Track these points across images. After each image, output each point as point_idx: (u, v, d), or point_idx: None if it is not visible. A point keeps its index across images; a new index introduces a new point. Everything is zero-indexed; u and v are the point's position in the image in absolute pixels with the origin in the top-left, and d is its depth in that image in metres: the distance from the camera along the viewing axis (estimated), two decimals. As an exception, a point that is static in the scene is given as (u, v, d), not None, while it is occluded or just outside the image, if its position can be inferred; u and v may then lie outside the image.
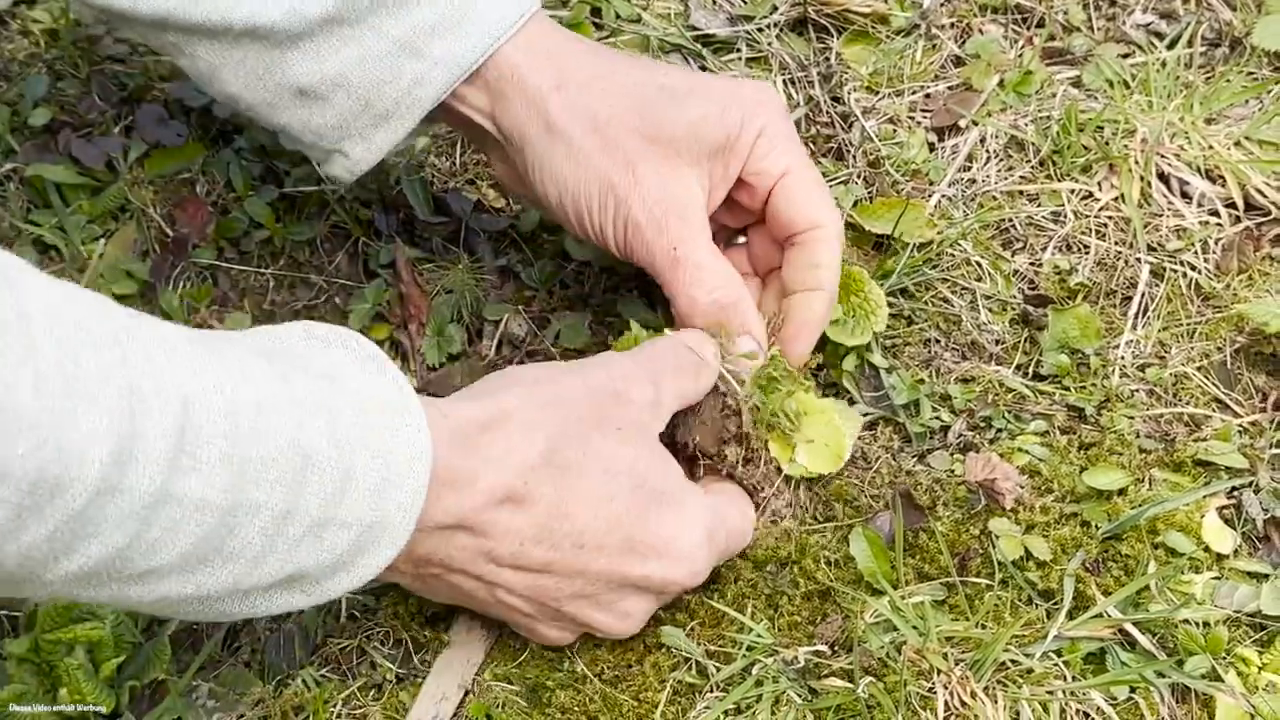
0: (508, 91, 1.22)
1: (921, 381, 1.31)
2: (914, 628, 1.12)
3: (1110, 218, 1.41)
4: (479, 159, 1.55)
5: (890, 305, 1.33)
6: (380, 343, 1.41)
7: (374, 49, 1.20)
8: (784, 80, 1.54)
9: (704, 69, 1.56)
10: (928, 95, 1.54)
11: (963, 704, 1.07)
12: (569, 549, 1.05)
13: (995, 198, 1.44)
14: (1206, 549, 1.18)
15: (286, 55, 1.20)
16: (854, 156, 1.48)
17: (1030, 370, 1.33)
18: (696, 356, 1.16)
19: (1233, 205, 1.41)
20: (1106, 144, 1.44)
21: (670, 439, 1.18)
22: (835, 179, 1.45)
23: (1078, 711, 1.09)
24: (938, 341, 1.35)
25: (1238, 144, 1.43)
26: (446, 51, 1.20)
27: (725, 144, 1.21)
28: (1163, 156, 1.42)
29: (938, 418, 1.30)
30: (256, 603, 0.95)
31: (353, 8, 1.19)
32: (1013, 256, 1.40)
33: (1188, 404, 1.29)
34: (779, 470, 1.21)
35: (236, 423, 0.86)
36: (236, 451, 0.86)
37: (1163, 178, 1.42)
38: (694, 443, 1.19)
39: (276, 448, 0.88)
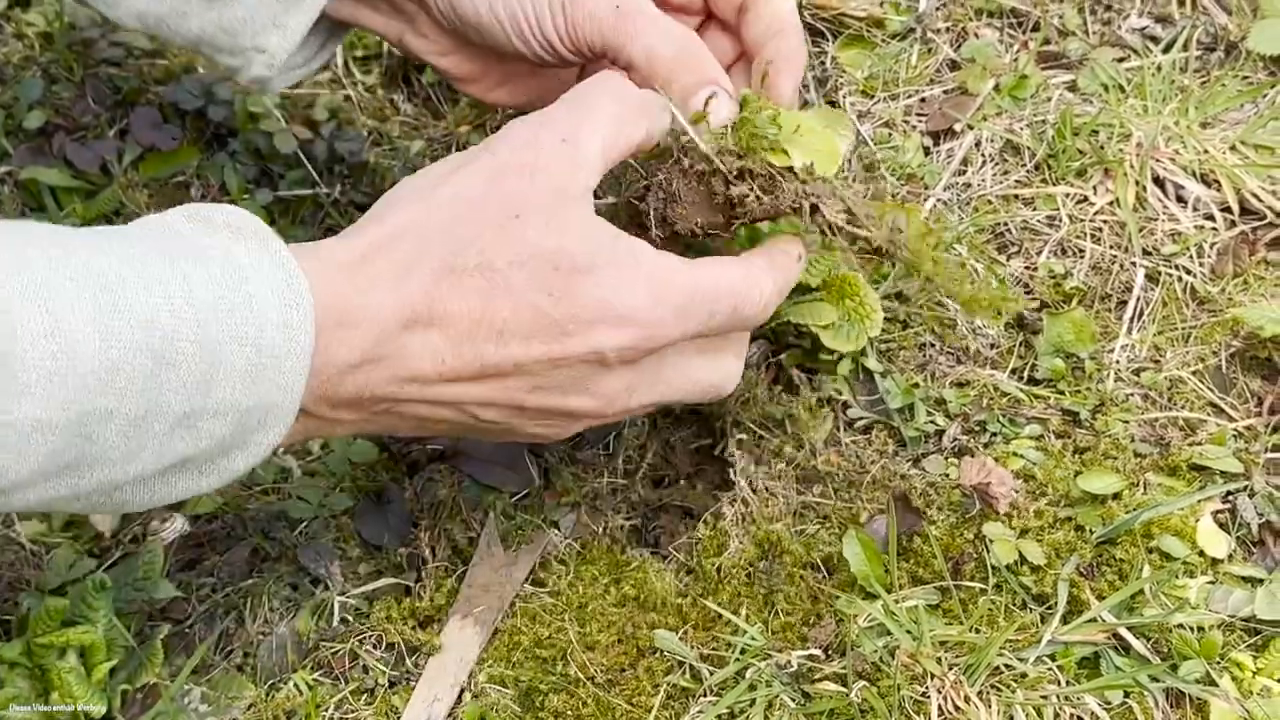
0: None
1: (916, 386, 1.31)
2: (907, 632, 1.12)
3: (1105, 222, 1.41)
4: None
5: (885, 309, 1.33)
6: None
7: None
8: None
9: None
10: (923, 99, 1.54)
11: (956, 709, 1.07)
12: (494, 350, 0.99)
13: (990, 202, 1.44)
14: (1201, 553, 1.18)
15: None
16: (849, 160, 1.48)
17: (1025, 374, 1.33)
18: (634, 93, 1.08)
19: (1228, 209, 1.41)
20: (1102, 148, 1.44)
21: (674, 234, 1.11)
22: (830, 183, 1.45)
23: (1072, 716, 1.09)
24: (933, 345, 1.35)
25: (1233, 148, 1.43)
26: None
27: None
28: (1158, 161, 1.42)
29: (932, 422, 1.30)
30: (154, 490, 0.93)
31: None
32: (1008, 260, 1.40)
33: (1183, 408, 1.29)
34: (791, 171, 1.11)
35: (68, 340, 0.83)
36: (70, 368, 0.83)
37: (1158, 182, 1.42)
38: (698, 225, 1.11)
39: (120, 355, 0.85)
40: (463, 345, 0.98)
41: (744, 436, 1.28)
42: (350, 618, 1.21)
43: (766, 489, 1.25)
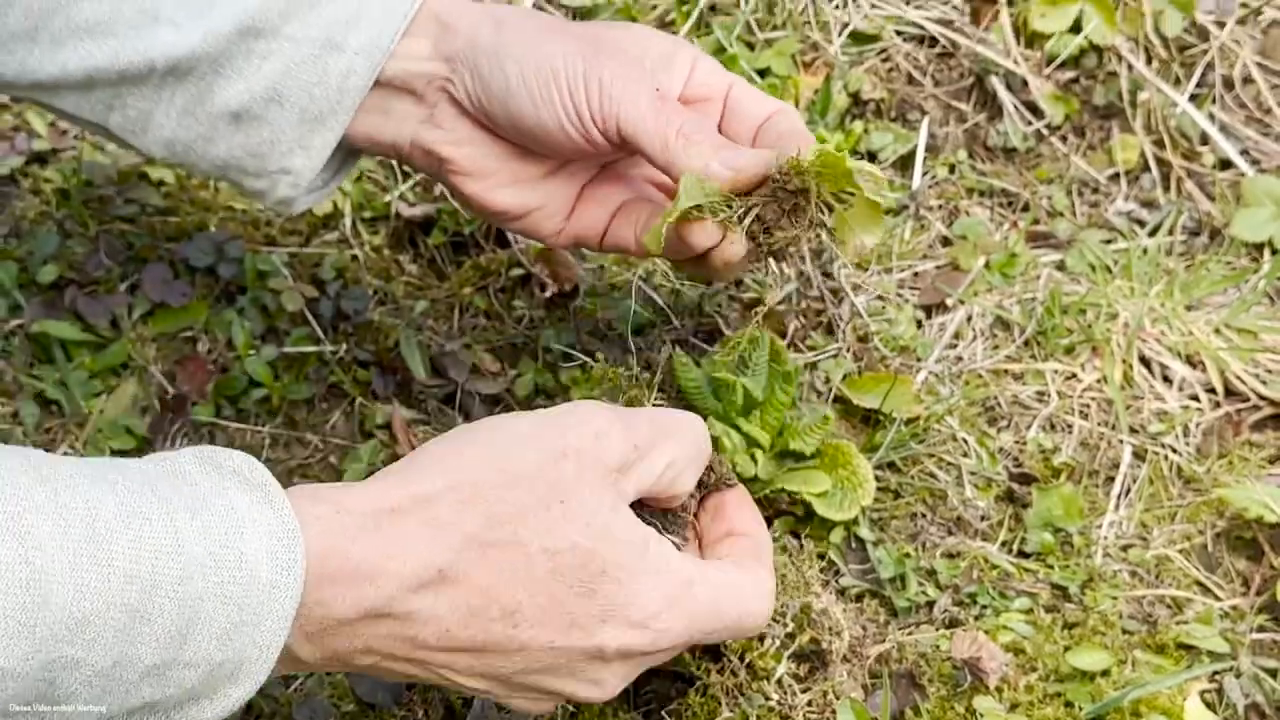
0: (446, 24, 1.22)
1: (908, 555, 1.33)
2: (899, 806, 1.13)
3: (1093, 399, 1.44)
4: (476, 323, 1.58)
5: (877, 479, 1.34)
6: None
7: (296, 56, 1.22)
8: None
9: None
10: (916, 273, 1.58)
11: None
12: (501, 630, 0.99)
13: (981, 375, 1.47)
14: (1189, 733, 1.19)
15: (214, 84, 1.22)
16: (844, 331, 1.51)
17: (1015, 547, 1.35)
18: (708, 446, 1.12)
19: (1213, 391, 1.44)
20: (1089, 327, 1.48)
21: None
22: (825, 353, 1.48)
23: None
24: (924, 516, 1.37)
25: (1217, 331, 1.47)
26: (365, 39, 1.21)
27: (666, 57, 1.23)
28: (1144, 341, 1.46)
29: (924, 592, 1.31)
30: None
31: (265, 18, 1.21)
32: (998, 434, 1.43)
33: (1170, 586, 1.31)
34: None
35: (42, 592, 0.83)
36: (40, 619, 0.83)
37: (1144, 362, 1.46)
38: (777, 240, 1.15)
39: (93, 608, 0.84)
40: (470, 619, 0.98)
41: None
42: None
43: (758, 656, 1.26)
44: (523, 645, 1.00)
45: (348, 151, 1.31)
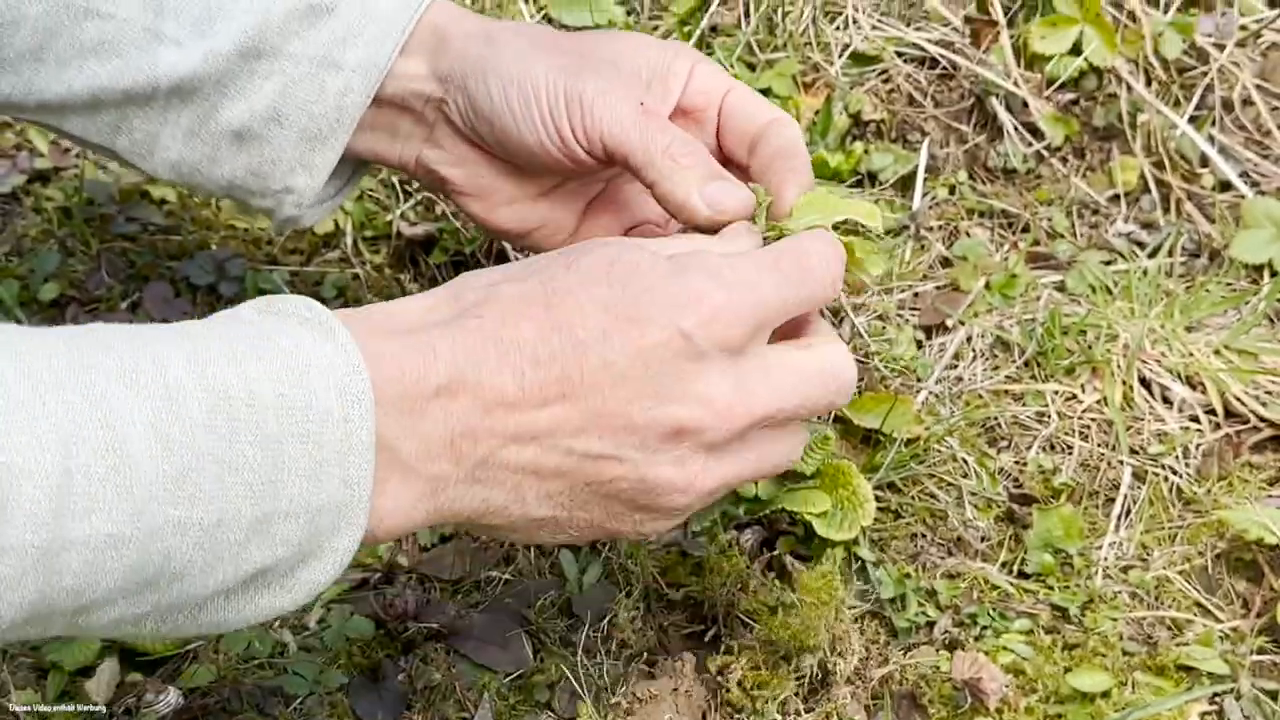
0: (444, 37, 1.23)
1: (908, 576, 1.33)
2: (899, 827, 1.13)
3: (1093, 420, 1.44)
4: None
5: (878, 499, 1.34)
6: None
7: (294, 75, 1.23)
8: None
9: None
10: (916, 294, 1.58)
11: None
12: (571, 351, 0.96)
13: (981, 396, 1.47)
14: (1189, 754, 1.19)
15: (218, 105, 1.23)
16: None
17: (1015, 568, 1.35)
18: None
19: (1212, 412, 1.44)
20: (1090, 347, 1.48)
21: None
22: (825, 373, 1.48)
23: None
24: (924, 536, 1.37)
25: (1217, 352, 1.47)
26: (362, 56, 1.22)
27: (663, 66, 1.21)
28: (1144, 362, 1.46)
29: (924, 613, 1.31)
30: (239, 609, 0.90)
31: (265, 39, 1.22)
32: (998, 455, 1.43)
33: (1170, 607, 1.31)
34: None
35: (128, 452, 0.82)
36: (134, 480, 0.82)
37: (1144, 383, 1.46)
38: None
39: (184, 463, 0.84)
40: (539, 350, 0.96)
41: (736, 625, 1.30)
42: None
43: (756, 680, 1.26)
44: (603, 359, 0.97)
45: (356, 164, 1.31)
